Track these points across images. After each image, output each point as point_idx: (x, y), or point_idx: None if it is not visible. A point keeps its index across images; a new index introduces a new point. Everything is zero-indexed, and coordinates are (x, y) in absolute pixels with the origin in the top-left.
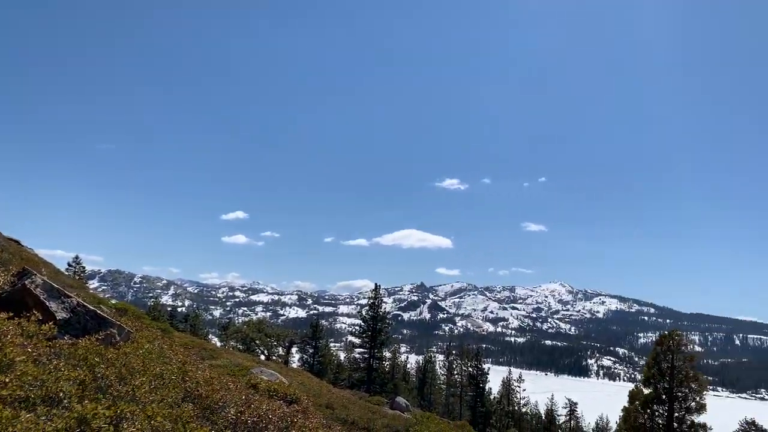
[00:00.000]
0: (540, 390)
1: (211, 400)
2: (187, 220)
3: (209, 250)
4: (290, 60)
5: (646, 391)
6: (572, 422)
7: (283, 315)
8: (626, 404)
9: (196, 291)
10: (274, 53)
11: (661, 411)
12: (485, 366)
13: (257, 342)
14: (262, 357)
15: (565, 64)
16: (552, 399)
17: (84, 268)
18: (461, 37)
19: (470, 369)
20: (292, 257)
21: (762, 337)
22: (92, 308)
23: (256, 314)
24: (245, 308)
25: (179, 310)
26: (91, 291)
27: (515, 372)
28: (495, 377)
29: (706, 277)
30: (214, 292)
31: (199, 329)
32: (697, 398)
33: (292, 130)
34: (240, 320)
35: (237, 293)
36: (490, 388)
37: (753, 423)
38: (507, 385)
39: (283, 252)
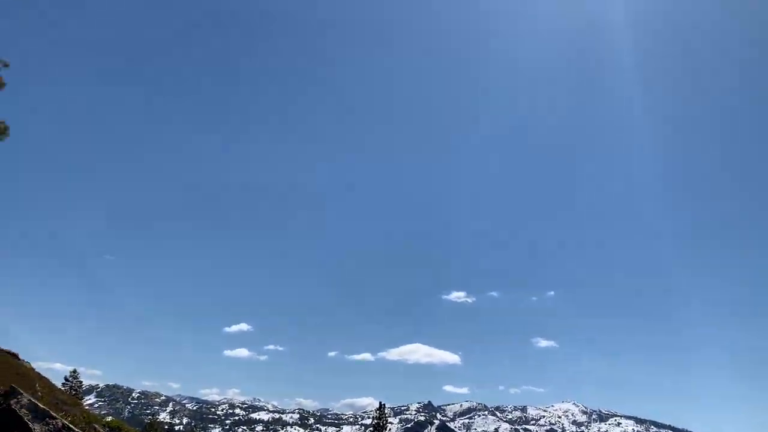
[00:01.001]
0: None
1: None
2: (189, 334)
3: (211, 364)
4: (290, 172)
5: None
6: None
7: None
8: None
9: (195, 408)
10: (272, 164)
11: None
12: None
13: None
14: None
15: (574, 177)
16: None
17: (81, 382)
18: (464, 149)
19: None
20: (295, 372)
21: None
22: (77, 431)
23: None
24: (245, 427)
25: (177, 428)
26: (86, 407)
27: None
28: None
29: (727, 399)
30: (213, 409)
31: None
32: None
33: (296, 242)
34: None
35: (237, 411)
36: None
37: None
38: None
39: (286, 366)
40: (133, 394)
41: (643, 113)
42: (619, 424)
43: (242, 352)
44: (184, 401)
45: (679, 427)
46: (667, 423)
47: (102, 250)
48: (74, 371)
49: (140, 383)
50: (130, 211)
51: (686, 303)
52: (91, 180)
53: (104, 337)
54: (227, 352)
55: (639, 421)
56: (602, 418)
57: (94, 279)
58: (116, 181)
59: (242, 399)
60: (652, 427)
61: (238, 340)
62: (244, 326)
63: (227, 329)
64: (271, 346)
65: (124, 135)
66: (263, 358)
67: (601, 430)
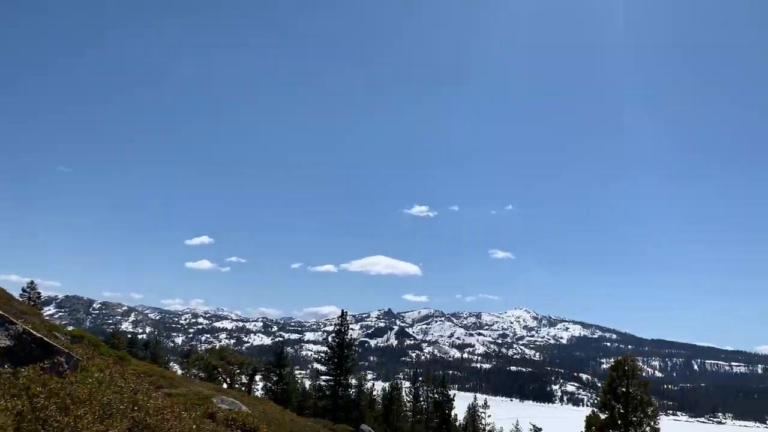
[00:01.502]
0: (505, 416)
1: (160, 430)
2: (150, 245)
3: (173, 275)
4: (253, 77)
5: (602, 416)
6: None
7: (248, 342)
8: (583, 429)
9: (157, 318)
10: (234, 68)
11: None
12: (451, 392)
13: (219, 370)
14: (225, 385)
15: (535, 90)
16: (517, 425)
17: (39, 293)
18: (431, 63)
19: (436, 395)
20: (258, 283)
21: (719, 362)
22: (39, 336)
23: (220, 341)
24: (208, 335)
25: (140, 337)
26: (46, 317)
27: (480, 398)
28: (461, 403)
29: (666, 304)
30: (176, 319)
31: (159, 357)
32: (652, 423)
33: (258, 153)
34: (203, 348)
35: (200, 320)
36: (456, 414)
37: None
38: (472, 411)
39: (248, 278)
40: (94, 305)
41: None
42: (567, 328)
43: (204, 264)
44: (146, 311)
45: (622, 330)
46: (612, 327)
47: (56, 161)
48: (32, 282)
49: (101, 294)
50: (84, 121)
51: (637, 218)
52: (47, 84)
53: (62, 249)
54: (189, 264)
55: (585, 325)
56: (552, 323)
57: (48, 190)
58: (70, 87)
59: (205, 309)
60: (597, 330)
61: (200, 252)
62: (205, 239)
63: (188, 241)
64: (234, 258)
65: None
66: (225, 269)
67: (549, 333)
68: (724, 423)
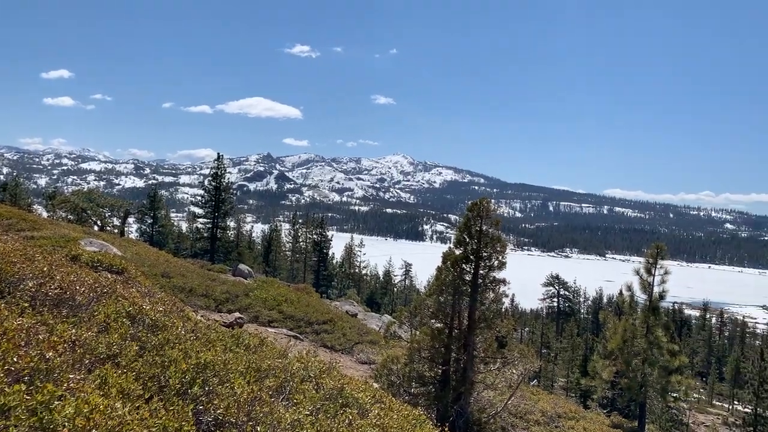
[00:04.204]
0: (380, 254)
1: (7, 274)
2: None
3: (29, 112)
4: None
5: (457, 252)
6: (407, 281)
7: (119, 185)
8: (439, 264)
9: (15, 158)
10: None
11: (468, 269)
12: (329, 233)
13: (89, 212)
14: (96, 228)
15: None
16: (390, 261)
17: None
18: None
19: (315, 236)
20: (127, 123)
21: (571, 203)
22: None
23: (88, 183)
24: (75, 177)
25: None
26: None
27: (357, 238)
28: (339, 243)
29: (529, 151)
30: (37, 159)
31: (20, 199)
32: (500, 257)
33: None
34: (69, 190)
35: (65, 161)
36: (334, 254)
37: (557, 277)
38: (349, 250)
39: (116, 117)
40: None
41: None
42: (440, 173)
43: (65, 101)
44: (2, 151)
45: (490, 175)
46: (481, 172)
47: None
48: None
49: None
50: None
51: (509, 72)
52: None
53: None
54: (47, 100)
55: (457, 170)
56: (426, 168)
57: None
58: None
59: (69, 149)
60: (468, 175)
61: (59, 86)
62: (64, 72)
63: (45, 75)
64: (98, 96)
65: None
66: (90, 107)
67: (424, 178)
68: (570, 257)
